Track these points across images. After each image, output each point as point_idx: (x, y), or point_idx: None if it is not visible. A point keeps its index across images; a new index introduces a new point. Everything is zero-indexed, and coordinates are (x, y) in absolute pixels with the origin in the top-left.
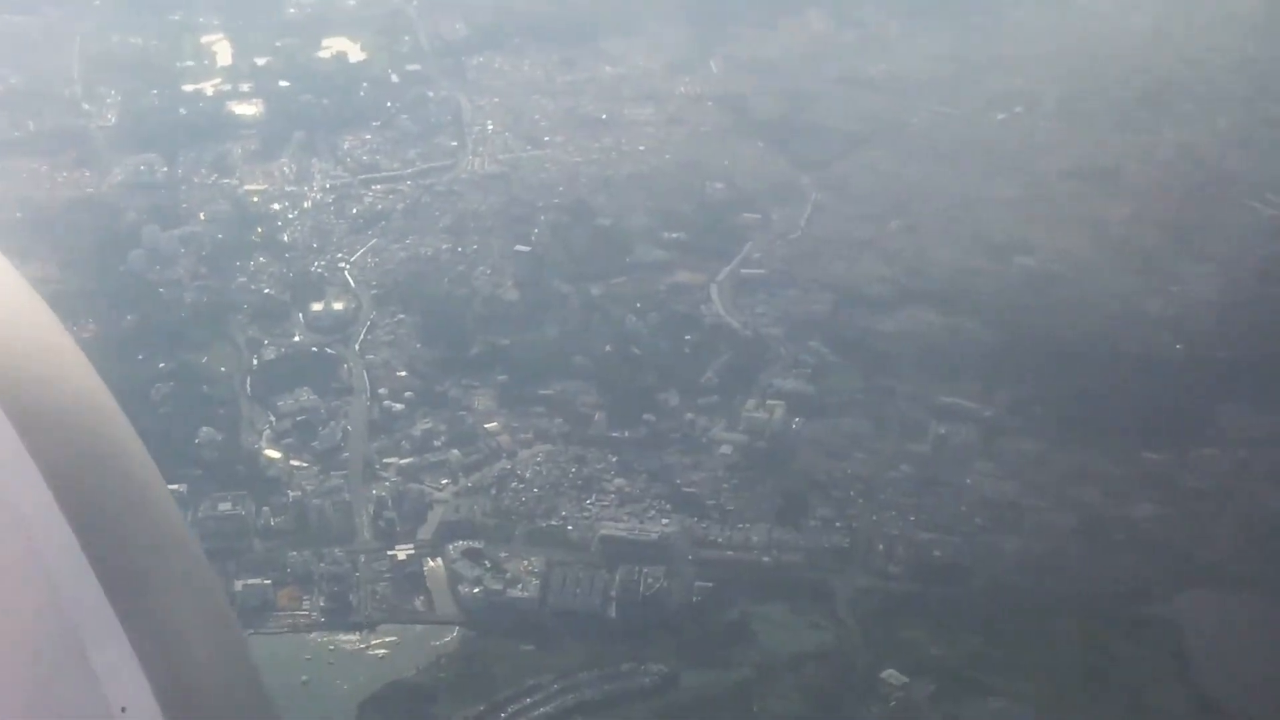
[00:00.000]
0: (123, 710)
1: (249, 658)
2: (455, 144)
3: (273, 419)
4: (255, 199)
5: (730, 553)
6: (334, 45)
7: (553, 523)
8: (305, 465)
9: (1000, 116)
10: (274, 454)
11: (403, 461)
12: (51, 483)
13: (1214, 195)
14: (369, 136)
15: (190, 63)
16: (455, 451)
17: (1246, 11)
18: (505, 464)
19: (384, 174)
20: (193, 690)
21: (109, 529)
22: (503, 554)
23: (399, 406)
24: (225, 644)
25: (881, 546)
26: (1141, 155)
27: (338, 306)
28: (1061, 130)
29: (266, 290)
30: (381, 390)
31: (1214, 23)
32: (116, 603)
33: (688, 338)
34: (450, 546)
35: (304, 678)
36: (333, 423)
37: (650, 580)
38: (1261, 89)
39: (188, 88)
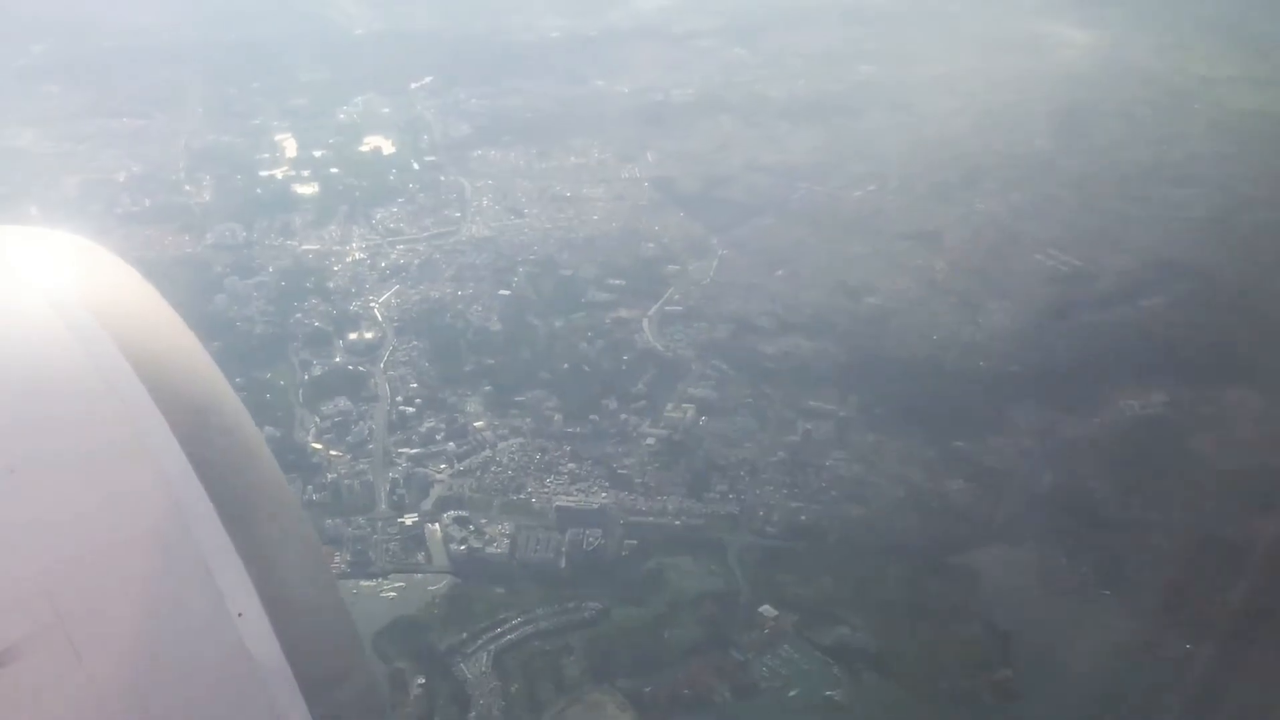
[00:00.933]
0: (239, 615)
1: (332, 578)
2: (459, 215)
3: (317, 420)
4: (310, 256)
5: (651, 518)
6: (372, 142)
7: (521, 497)
8: (340, 454)
9: (857, 193)
10: (318, 446)
11: (412, 451)
12: (186, 448)
13: (1009, 251)
14: (395, 209)
15: (266, 155)
16: (451, 444)
17: (1039, 114)
18: (488, 453)
19: (406, 237)
20: (291, 601)
21: (229, 482)
22: (483, 520)
23: (411, 410)
24: (314, 568)
25: (762, 512)
26: (958, 222)
27: (369, 336)
28: (901, 203)
29: (316, 324)
30: (398, 398)
31: (1015, 123)
32: (234, 537)
33: (625, 358)
34: (445, 515)
35: None
36: (362, 423)
37: (591, 539)
38: (1045, 172)
39: (263, 174)
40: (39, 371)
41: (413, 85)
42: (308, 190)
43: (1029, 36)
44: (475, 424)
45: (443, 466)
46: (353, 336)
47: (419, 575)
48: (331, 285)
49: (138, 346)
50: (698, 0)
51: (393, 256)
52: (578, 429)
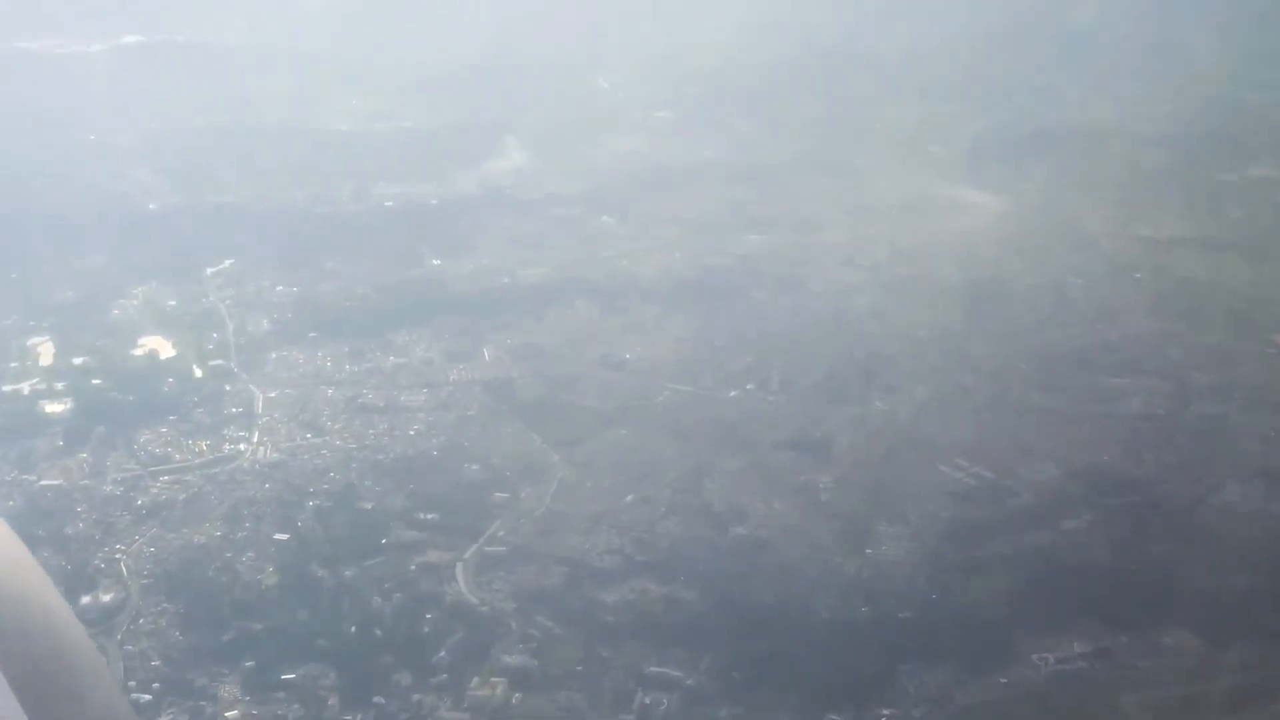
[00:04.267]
0: None
1: None
2: (243, 434)
3: None
4: (49, 494)
5: None
6: (149, 344)
7: None
8: None
9: (733, 393)
10: None
11: None
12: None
13: (909, 461)
14: (165, 430)
15: (14, 364)
16: None
17: (950, 289)
18: None
19: (173, 465)
20: None
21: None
22: None
23: (147, 698)
24: None
25: None
26: (851, 425)
27: (106, 599)
28: (784, 404)
29: None
30: (132, 682)
31: (921, 302)
32: None
33: (428, 616)
34: None
35: None
36: None
37: None
38: (956, 361)
39: (6, 388)
40: None
41: (208, 270)
42: (58, 408)
43: (941, 199)
44: (227, 714)
45: None
46: (86, 600)
47: None
48: (70, 532)
49: None
50: (560, 161)
51: (153, 491)
52: (357, 716)
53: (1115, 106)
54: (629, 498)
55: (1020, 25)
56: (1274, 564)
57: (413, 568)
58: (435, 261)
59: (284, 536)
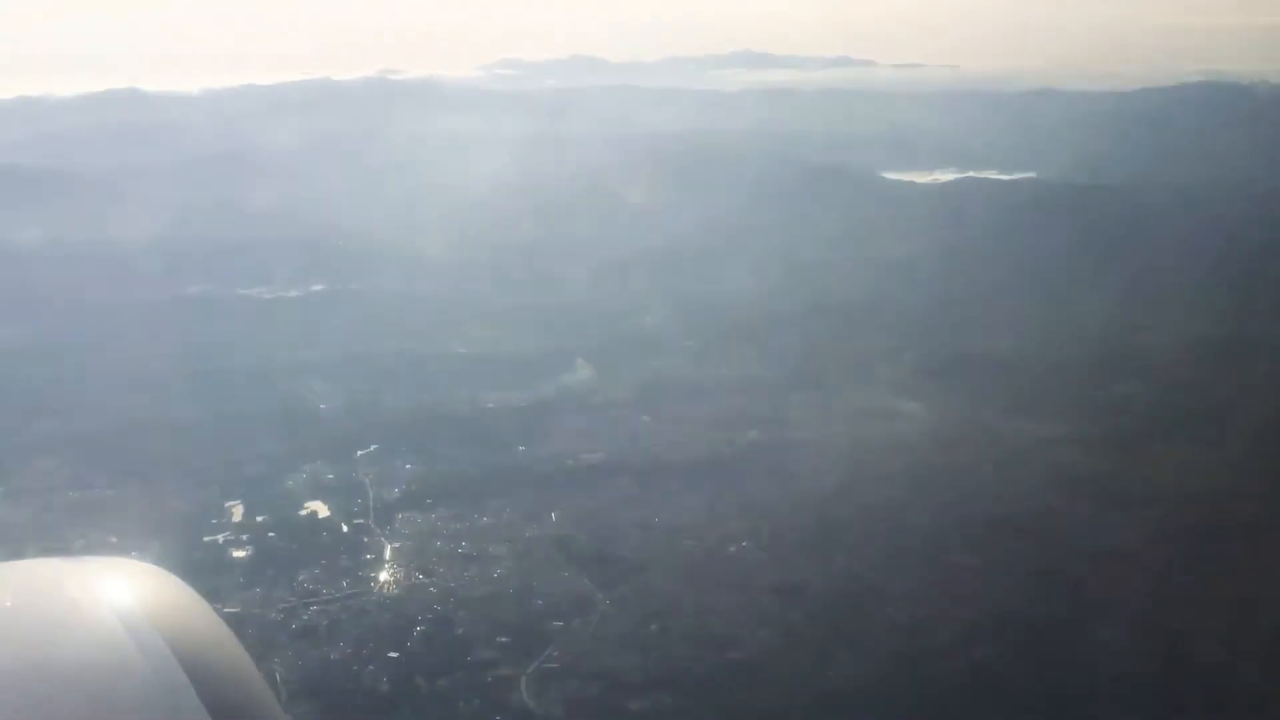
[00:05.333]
0: None
1: None
2: (374, 575)
3: None
4: (230, 619)
5: None
6: (311, 506)
7: None
8: None
9: (731, 549)
10: None
11: None
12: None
13: (864, 602)
14: (317, 571)
15: (214, 521)
16: None
17: (893, 474)
18: None
19: (322, 598)
20: None
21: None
22: None
23: None
24: None
25: None
26: (820, 575)
27: None
28: (769, 558)
29: None
30: None
31: (872, 483)
32: None
33: (497, 718)
34: None
35: None
36: None
37: None
38: (895, 528)
39: (205, 539)
40: (109, 688)
41: (358, 453)
42: (242, 554)
43: (885, 407)
44: None
45: None
46: None
47: None
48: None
49: (195, 661)
50: (614, 375)
51: (305, 618)
52: None
53: (1013, 337)
54: (653, 627)
55: (947, 286)
56: (1117, 687)
57: (489, 679)
58: (521, 448)
59: (395, 654)
